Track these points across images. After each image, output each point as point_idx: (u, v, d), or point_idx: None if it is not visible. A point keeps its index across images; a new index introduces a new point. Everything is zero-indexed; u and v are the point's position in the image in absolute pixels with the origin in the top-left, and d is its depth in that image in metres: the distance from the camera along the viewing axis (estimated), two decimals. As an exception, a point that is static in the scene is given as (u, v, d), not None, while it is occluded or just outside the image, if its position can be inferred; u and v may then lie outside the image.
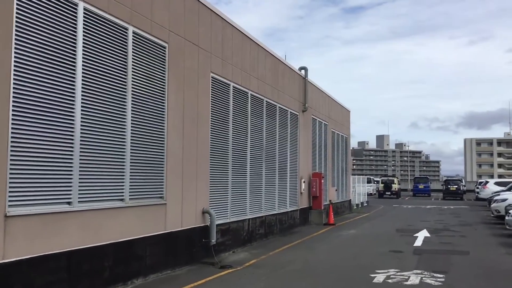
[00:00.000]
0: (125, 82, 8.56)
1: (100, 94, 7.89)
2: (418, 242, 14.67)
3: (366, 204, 35.62)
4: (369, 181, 52.21)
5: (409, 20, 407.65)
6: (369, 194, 51.29)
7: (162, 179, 9.66)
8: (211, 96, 11.76)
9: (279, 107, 16.57)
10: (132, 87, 8.74)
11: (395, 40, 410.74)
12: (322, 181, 20.24)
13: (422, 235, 16.56)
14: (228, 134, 12.63)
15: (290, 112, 17.77)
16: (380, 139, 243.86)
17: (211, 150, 11.68)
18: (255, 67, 14.57)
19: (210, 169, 11.64)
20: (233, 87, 12.94)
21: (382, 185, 50.77)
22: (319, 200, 20.12)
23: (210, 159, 11.65)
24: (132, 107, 8.71)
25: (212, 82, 11.80)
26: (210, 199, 11.63)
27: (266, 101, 15.35)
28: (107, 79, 8.08)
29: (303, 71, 19.85)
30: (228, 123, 12.67)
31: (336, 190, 24.02)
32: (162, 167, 9.65)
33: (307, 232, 17.12)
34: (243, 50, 13.68)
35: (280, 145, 16.62)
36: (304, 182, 19.09)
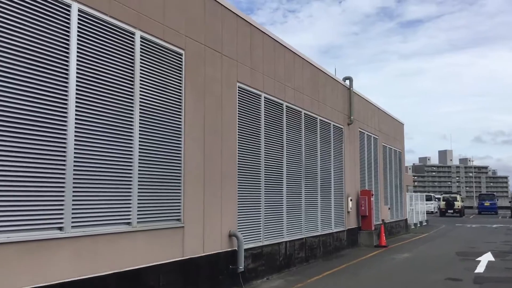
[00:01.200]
0: (132, 91, 7.72)
1: (98, 105, 7.06)
2: (480, 268, 12.89)
3: (425, 224, 33.33)
4: (429, 199, 49.48)
5: (468, 31, 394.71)
6: (430, 213, 48.50)
7: (179, 198, 8.70)
8: (238, 107, 10.78)
9: (320, 119, 15.35)
10: (140, 97, 7.90)
11: (454, 53, 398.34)
12: (372, 199, 18.70)
13: (485, 259, 14.69)
14: (259, 148, 11.57)
15: (333, 125, 16.49)
16: (443, 154, 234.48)
17: (239, 165, 10.65)
18: (291, 76, 13.50)
19: (239, 187, 10.60)
20: (264, 97, 11.91)
21: (444, 202, 47.81)
22: (369, 220, 18.56)
23: (238, 176, 10.61)
24: (140, 118, 7.85)
25: (239, 92, 10.83)
26: (239, 220, 10.56)
27: (304, 113, 14.20)
28: (107, 89, 7.26)
29: (347, 81, 18.57)
30: (260, 136, 11.61)
31: (389, 208, 22.31)
32: (179, 185, 8.71)
33: (354, 256, 15.65)
34: (276, 59, 12.66)
35: (322, 161, 15.36)
36: (351, 200, 17.64)
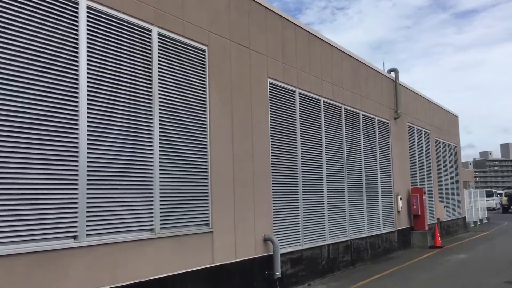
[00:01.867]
0: (150, 91, 7.35)
1: (112, 106, 6.73)
2: (547, 270, 11.71)
3: (486, 221, 31.45)
4: (490, 195, 46.93)
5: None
6: (491, 209, 46.01)
7: (206, 202, 8.26)
8: (270, 104, 10.23)
9: (362, 114, 14.55)
10: (160, 97, 7.51)
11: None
12: (424, 197, 17.60)
13: (553, 259, 13.41)
14: (295, 146, 10.97)
15: (378, 119, 15.61)
16: (505, 148, 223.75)
17: (273, 165, 10.10)
18: (328, 70, 12.81)
19: (273, 188, 10.05)
20: (299, 93, 11.30)
21: (506, 198, 45.12)
22: (422, 219, 17.48)
23: (273, 176, 10.07)
24: (160, 118, 7.46)
25: (270, 89, 10.29)
26: (275, 223, 10.00)
27: (345, 108, 13.46)
28: (122, 89, 6.92)
29: (392, 74, 17.60)
30: (295, 134, 11.02)
31: (444, 206, 21.04)
32: (206, 188, 8.26)
33: (406, 258, 14.71)
34: (310, 52, 12.02)
35: (367, 158, 14.54)
36: (401, 199, 16.66)
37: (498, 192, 54.08)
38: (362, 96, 14.67)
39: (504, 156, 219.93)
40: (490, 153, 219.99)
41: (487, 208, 37.19)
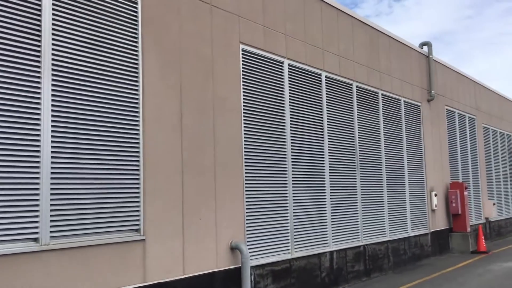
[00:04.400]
0: (38, 52, 5.44)
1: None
2: None
3: (550, 220, 27.70)
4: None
5: None
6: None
7: (136, 201, 6.27)
8: (244, 78, 8.12)
9: (382, 94, 12.10)
10: (54, 59, 5.59)
11: None
12: (466, 193, 14.84)
13: None
14: (283, 130, 8.79)
15: (404, 101, 13.09)
16: None
17: (247, 153, 7.99)
18: (333, 39, 10.50)
19: (247, 181, 7.95)
20: (289, 65, 9.11)
21: None
22: (463, 219, 14.74)
23: (246, 166, 7.96)
24: (53, 90, 5.54)
25: (243, 58, 8.17)
26: (249, 226, 7.90)
27: (357, 86, 11.09)
28: (-14, 45, 5.04)
29: (425, 48, 14.94)
30: (284, 115, 8.84)
31: (494, 204, 18.05)
32: (135, 183, 6.27)
33: (438, 266, 12.14)
34: (307, 16, 9.77)
35: (388, 147, 12.10)
36: (436, 195, 14.03)
37: None
38: (382, 72, 12.22)
39: None
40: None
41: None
